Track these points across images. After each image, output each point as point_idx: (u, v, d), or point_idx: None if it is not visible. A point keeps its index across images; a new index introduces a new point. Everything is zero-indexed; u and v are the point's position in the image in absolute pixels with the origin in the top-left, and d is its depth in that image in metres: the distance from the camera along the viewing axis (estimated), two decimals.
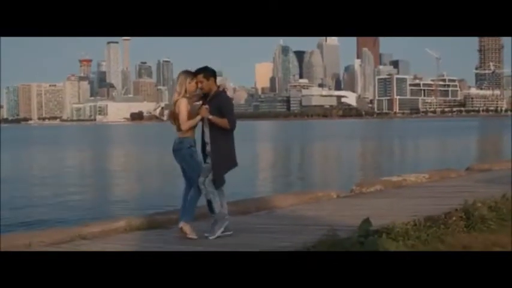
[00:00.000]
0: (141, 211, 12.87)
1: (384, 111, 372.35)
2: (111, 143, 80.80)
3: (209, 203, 7.50)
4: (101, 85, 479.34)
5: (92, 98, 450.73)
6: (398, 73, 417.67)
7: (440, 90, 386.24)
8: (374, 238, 5.95)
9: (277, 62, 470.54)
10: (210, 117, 7.32)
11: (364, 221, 6.39)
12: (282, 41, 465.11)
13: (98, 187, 26.41)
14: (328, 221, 7.69)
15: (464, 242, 6.28)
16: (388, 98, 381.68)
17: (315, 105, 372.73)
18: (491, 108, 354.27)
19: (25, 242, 7.34)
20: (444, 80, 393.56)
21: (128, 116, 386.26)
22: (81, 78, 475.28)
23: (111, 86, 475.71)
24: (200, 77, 7.46)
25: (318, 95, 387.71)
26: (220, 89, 7.63)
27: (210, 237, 7.34)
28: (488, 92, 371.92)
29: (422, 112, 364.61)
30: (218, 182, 7.46)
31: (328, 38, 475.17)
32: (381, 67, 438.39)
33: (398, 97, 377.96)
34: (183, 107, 7.39)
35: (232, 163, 7.53)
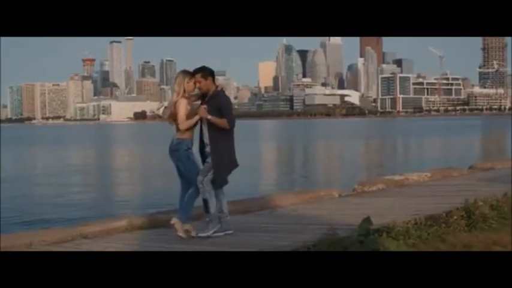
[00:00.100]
0: (142, 210, 12.87)
1: (387, 110, 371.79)
2: (115, 142, 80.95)
3: (205, 202, 7.50)
4: (104, 84, 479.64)
5: (95, 97, 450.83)
6: (401, 72, 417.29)
7: (443, 89, 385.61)
8: (374, 237, 5.95)
9: (281, 61, 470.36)
10: (209, 117, 7.31)
11: (365, 220, 6.38)
12: (285, 40, 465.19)
13: (100, 186, 26.46)
14: (329, 220, 7.69)
15: (465, 241, 6.27)
16: (392, 96, 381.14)
17: (318, 104, 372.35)
18: (495, 106, 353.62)
19: (26, 242, 7.36)
20: (447, 79, 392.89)
21: (131, 115, 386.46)
22: (84, 78, 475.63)
23: (115, 85, 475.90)
24: (198, 76, 7.45)
25: (321, 94, 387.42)
26: (219, 88, 7.62)
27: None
28: (491, 91, 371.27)
29: (426, 111, 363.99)
30: (219, 183, 7.46)
31: (331, 37, 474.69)
32: (384, 66, 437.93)
33: (401, 96, 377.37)
34: (182, 107, 7.39)
35: (233, 164, 7.52)
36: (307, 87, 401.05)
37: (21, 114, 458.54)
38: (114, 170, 35.83)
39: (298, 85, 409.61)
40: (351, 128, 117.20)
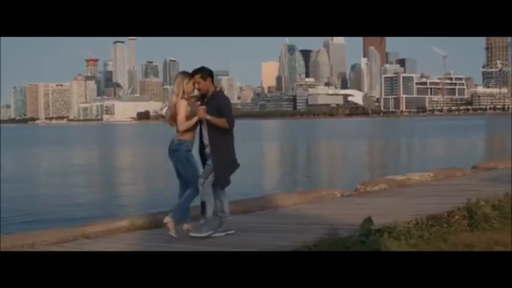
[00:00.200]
0: (144, 210, 12.87)
1: (391, 109, 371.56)
2: (118, 142, 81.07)
3: (203, 204, 7.49)
4: (107, 85, 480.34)
5: (99, 97, 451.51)
6: (404, 72, 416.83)
7: (447, 88, 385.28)
8: (375, 237, 5.93)
9: (284, 61, 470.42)
10: (208, 117, 7.31)
11: (366, 219, 6.37)
12: (288, 40, 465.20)
13: (102, 186, 26.49)
14: (330, 220, 7.68)
15: (466, 240, 6.25)
16: (395, 96, 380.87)
17: (321, 104, 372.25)
18: (498, 106, 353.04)
19: (28, 242, 7.37)
20: (451, 79, 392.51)
21: (135, 115, 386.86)
22: (87, 78, 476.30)
23: (118, 85, 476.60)
24: (197, 77, 7.45)
25: (324, 94, 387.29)
26: (218, 89, 7.62)
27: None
28: (495, 90, 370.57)
29: (429, 111, 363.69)
30: (222, 183, 7.45)
31: (334, 37, 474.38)
32: (387, 66, 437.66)
33: (404, 96, 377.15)
34: (182, 108, 7.39)
35: (233, 164, 7.51)
36: (310, 87, 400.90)
37: (25, 115, 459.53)
38: (116, 170, 35.88)
39: (301, 85, 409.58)
40: (354, 128, 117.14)
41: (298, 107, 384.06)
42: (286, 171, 32.85)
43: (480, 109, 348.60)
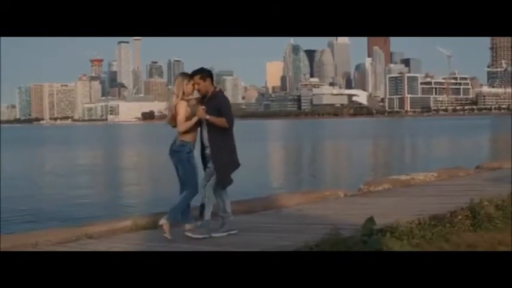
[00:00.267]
0: (148, 210, 12.89)
1: (395, 109, 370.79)
2: (122, 142, 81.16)
3: (202, 206, 7.50)
4: (112, 85, 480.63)
5: (103, 97, 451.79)
6: (409, 71, 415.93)
7: (451, 88, 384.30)
8: (377, 237, 5.93)
9: (288, 61, 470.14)
10: (207, 117, 7.32)
11: (368, 219, 6.37)
12: (292, 40, 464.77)
13: (107, 186, 26.53)
14: (333, 220, 7.67)
15: (469, 240, 6.24)
16: (399, 96, 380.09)
17: (326, 104, 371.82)
18: (504, 106, 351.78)
19: (32, 241, 7.39)
20: (456, 78, 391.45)
21: (139, 115, 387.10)
22: (92, 78, 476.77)
23: (122, 85, 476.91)
24: (197, 78, 7.46)
25: (329, 94, 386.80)
26: (217, 89, 7.64)
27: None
28: (500, 90, 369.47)
29: (434, 110, 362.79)
30: (223, 183, 7.46)
31: (338, 36, 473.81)
32: (391, 65, 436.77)
33: (409, 96, 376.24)
34: (182, 109, 7.40)
35: (234, 163, 7.51)
36: (315, 87, 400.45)
37: (30, 115, 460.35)
38: (121, 170, 35.93)
39: (306, 85, 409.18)
40: (359, 128, 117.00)
41: (302, 107, 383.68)
42: (290, 171, 32.86)
43: (485, 109, 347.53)
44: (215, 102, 7.41)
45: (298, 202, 10.12)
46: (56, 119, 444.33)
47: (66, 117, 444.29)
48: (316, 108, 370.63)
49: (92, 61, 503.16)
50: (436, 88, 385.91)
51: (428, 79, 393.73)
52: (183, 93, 7.47)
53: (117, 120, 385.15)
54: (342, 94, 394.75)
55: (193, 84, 7.48)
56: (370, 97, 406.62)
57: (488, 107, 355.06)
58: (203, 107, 7.37)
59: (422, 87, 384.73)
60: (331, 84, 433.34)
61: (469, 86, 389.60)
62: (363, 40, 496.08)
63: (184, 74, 7.69)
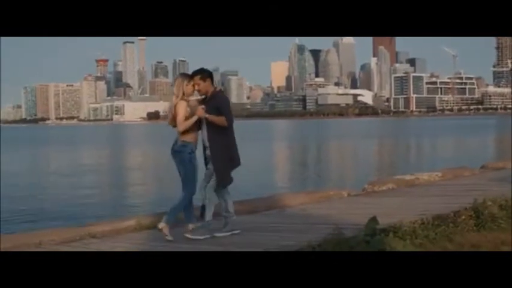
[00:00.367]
0: (153, 210, 12.90)
1: (401, 109, 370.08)
2: (128, 142, 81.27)
3: (203, 208, 7.50)
4: (117, 85, 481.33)
5: (109, 97, 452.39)
6: (414, 71, 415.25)
7: (457, 88, 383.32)
8: (380, 237, 5.92)
9: (293, 60, 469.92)
10: (207, 116, 7.32)
11: (371, 219, 6.35)
12: (297, 40, 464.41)
13: (111, 186, 26.56)
14: (336, 219, 7.66)
15: (473, 240, 6.23)
16: (405, 96, 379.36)
17: (331, 104, 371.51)
18: (509, 106, 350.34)
19: (35, 241, 7.41)
20: (461, 78, 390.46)
21: (145, 115, 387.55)
22: (97, 78, 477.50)
23: (128, 85, 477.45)
24: (197, 79, 7.47)
25: (334, 94, 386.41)
26: (217, 89, 7.65)
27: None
28: (506, 90, 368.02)
29: (439, 110, 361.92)
30: (223, 183, 7.45)
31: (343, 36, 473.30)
32: (397, 65, 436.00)
33: (415, 95, 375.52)
34: (182, 109, 7.40)
35: (234, 162, 7.50)
36: (320, 87, 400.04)
37: (36, 115, 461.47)
38: (126, 170, 36.00)
39: (311, 85, 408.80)
40: (364, 128, 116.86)
41: (307, 107, 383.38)
42: (295, 170, 32.86)
43: (491, 109, 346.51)
44: (215, 102, 7.42)
45: (302, 202, 10.11)
46: (61, 119, 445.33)
47: (72, 117, 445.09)
48: (321, 108, 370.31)
49: (97, 61, 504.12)
50: (441, 88, 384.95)
51: (434, 79, 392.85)
52: (183, 94, 7.47)
53: (123, 120, 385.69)
54: (347, 94, 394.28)
55: (193, 85, 7.48)
56: (375, 97, 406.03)
57: (494, 106, 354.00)
58: (203, 106, 7.38)
59: (428, 87, 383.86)
60: (337, 84, 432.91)
61: (475, 86, 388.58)
62: (368, 40, 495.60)
63: (184, 75, 7.70)
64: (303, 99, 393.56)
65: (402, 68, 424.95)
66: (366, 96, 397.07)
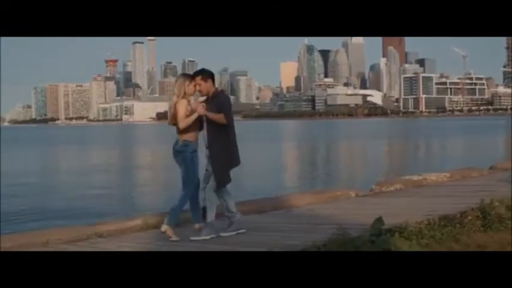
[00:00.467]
0: (160, 209, 12.92)
1: (410, 110, 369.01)
2: (137, 142, 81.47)
3: (204, 209, 7.51)
4: (126, 85, 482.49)
5: (118, 98, 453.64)
6: (424, 72, 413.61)
7: (467, 88, 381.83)
8: (386, 237, 5.90)
9: (302, 61, 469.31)
10: (207, 113, 7.32)
11: (377, 219, 6.34)
12: (306, 40, 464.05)
13: (120, 185, 26.63)
14: (342, 219, 7.66)
15: (479, 241, 6.20)
16: (414, 96, 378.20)
17: (340, 104, 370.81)
18: None
19: (43, 240, 7.43)
20: (471, 79, 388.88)
21: (154, 115, 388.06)
22: (107, 79, 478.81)
23: (137, 86, 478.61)
24: (198, 79, 7.48)
25: (343, 94, 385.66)
26: (219, 89, 7.66)
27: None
28: None
29: (449, 111, 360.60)
30: (222, 182, 7.45)
31: (353, 36, 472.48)
32: (406, 66, 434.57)
33: (424, 96, 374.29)
34: (182, 107, 7.42)
35: (233, 162, 7.49)
36: (329, 87, 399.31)
37: (45, 115, 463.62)
38: (135, 170, 36.07)
39: (320, 85, 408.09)
40: (373, 128, 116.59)
41: (317, 107, 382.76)
42: (305, 170, 32.87)
43: (501, 109, 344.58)
44: (216, 101, 7.43)
45: (309, 202, 10.10)
46: (71, 119, 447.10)
47: (81, 117, 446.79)
48: (330, 108, 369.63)
49: (106, 61, 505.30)
50: (451, 88, 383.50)
51: (444, 79, 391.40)
52: (184, 93, 7.49)
53: (132, 120, 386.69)
54: (356, 94, 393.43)
55: (194, 85, 7.49)
56: (384, 97, 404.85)
57: (504, 107, 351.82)
58: (203, 103, 7.40)
59: (437, 88, 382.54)
60: (346, 84, 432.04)
61: (485, 86, 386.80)
62: (378, 40, 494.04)
63: (185, 75, 7.72)
64: (312, 100, 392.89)
65: (412, 68, 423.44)
66: (375, 97, 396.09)
